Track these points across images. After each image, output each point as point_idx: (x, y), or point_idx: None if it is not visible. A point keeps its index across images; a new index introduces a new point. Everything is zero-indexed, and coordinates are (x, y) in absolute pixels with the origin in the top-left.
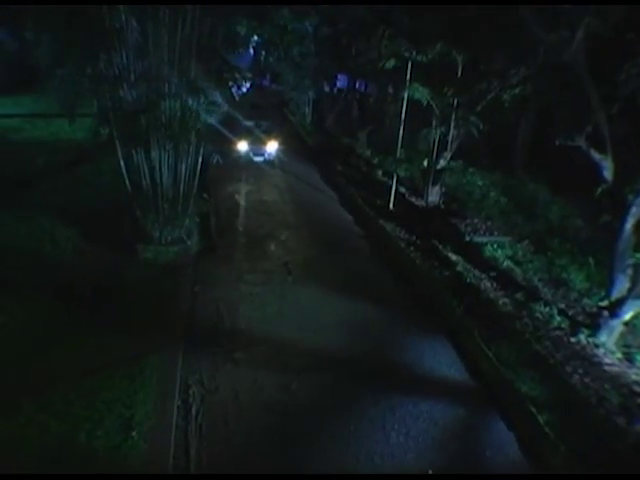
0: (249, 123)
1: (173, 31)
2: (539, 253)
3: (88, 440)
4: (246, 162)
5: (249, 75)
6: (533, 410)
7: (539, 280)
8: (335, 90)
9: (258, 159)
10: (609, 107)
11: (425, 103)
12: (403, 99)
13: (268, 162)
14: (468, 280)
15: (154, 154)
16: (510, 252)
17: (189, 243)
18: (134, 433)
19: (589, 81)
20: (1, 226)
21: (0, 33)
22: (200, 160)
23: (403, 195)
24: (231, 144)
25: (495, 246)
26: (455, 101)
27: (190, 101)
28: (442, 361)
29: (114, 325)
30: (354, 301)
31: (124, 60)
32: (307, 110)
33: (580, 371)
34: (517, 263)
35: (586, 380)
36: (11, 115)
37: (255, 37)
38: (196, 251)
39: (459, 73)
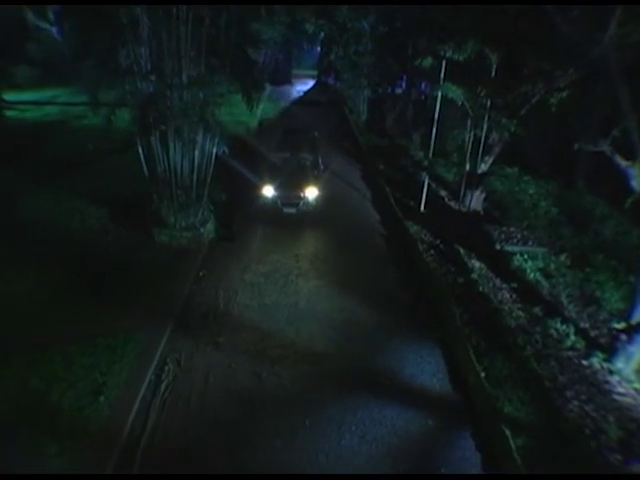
0: (282, 154)
1: (189, 29)
2: (576, 268)
3: (59, 398)
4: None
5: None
6: (507, 432)
7: (567, 296)
8: (397, 90)
9: (289, 210)
10: None
11: (460, 103)
12: (451, 100)
13: (303, 212)
14: (481, 289)
15: (170, 143)
16: (542, 264)
17: (202, 230)
18: (102, 398)
19: (621, 81)
20: (41, 203)
21: (43, 23)
22: (214, 151)
23: (442, 198)
24: (252, 186)
25: (526, 256)
26: (488, 102)
27: (202, 94)
28: (426, 369)
29: (113, 300)
30: (354, 300)
31: (141, 54)
32: (362, 109)
33: (582, 397)
34: (547, 276)
35: (586, 408)
36: (77, 103)
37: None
38: (209, 238)
39: (493, 73)
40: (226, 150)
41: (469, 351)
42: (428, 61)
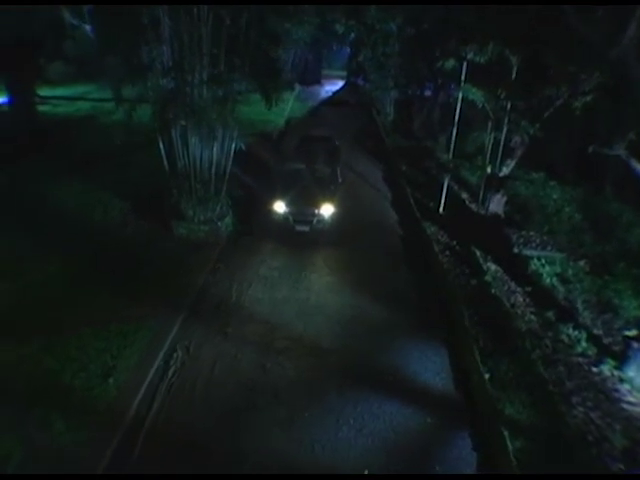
0: (297, 165)
1: (209, 29)
2: (594, 275)
3: (71, 378)
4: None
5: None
6: (505, 433)
7: (583, 302)
8: (426, 93)
9: (302, 228)
10: None
11: (480, 105)
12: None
13: (317, 231)
14: (493, 291)
15: (189, 138)
16: (559, 269)
17: (219, 224)
18: (111, 380)
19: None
20: (68, 194)
21: (78, 21)
22: (233, 147)
23: (463, 201)
24: (262, 201)
25: (543, 261)
26: (508, 105)
27: (221, 92)
28: (430, 368)
29: (129, 288)
30: (364, 298)
31: (163, 51)
32: (389, 110)
33: (589, 404)
34: (564, 282)
35: (592, 415)
36: (107, 99)
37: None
38: (226, 232)
39: (514, 75)
40: (243, 147)
41: (474, 352)
42: (451, 63)
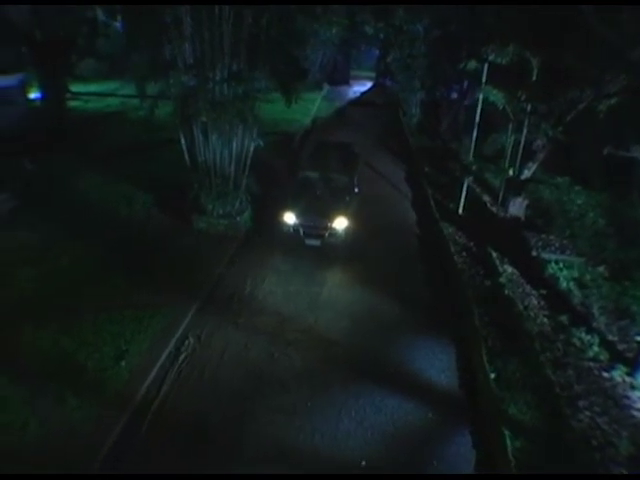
0: (311, 173)
1: (230, 28)
2: (613, 280)
3: (85, 358)
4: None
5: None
6: (506, 432)
7: (599, 308)
8: (452, 95)
9: (312, 242)
10: None
11: (501, 107)
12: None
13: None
14: (506, 292)
15: (210, 134)
16: (577, 274)
17: (238, 219)
18: (123, 363)
19: None
20: (94, 186)
21: (109, 20)
22: (252, 144)
23: (485, 203)
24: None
25: (561, 265)
26: (528, 107)
27: (241, 89)
28: (436, 365)
29: (147, 278)
30: (376, 295)
31: (185, 49)
32: (415, 111)
33: (596, 409)
34: (581, 286)
35: (599, 420)
36: (136, 96)
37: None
38: (245, 227)
39: (534, 77)
40: (261, 143)
41: (482, 351)
42: (472, 64)
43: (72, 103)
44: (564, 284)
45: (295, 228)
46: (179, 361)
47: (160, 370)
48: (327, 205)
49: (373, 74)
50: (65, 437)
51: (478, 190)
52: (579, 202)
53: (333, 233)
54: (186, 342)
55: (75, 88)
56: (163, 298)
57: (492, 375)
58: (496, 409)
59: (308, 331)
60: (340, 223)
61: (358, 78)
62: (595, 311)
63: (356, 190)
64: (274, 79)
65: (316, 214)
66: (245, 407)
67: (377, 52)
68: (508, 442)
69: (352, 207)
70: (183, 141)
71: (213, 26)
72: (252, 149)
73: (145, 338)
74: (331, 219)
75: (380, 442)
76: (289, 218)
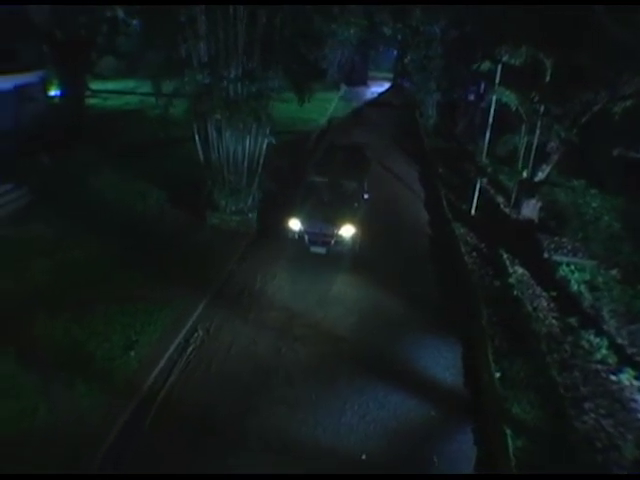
0: (319, 178)
1: (244, 27)
2: (626, 284)
3: (95, 347)
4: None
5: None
6: (507, 431)
7: (610, 311)
8: (469, 97)
9: (317, 250)
10: None
11: (514, 108)
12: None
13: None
14: (515, 293)
15: (223, 132)
16: (588, 276)
17: (250, 216)
18: (132, 353)
19: None
20: (111, 183)
21: (129, 19)
22: (265, 141)
23: (498, 205)
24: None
25: (572, 267)
26: (541, 108)
27: (254, 88)
28: (441, 363)
29: (159, 272)
30: (384, 293)
31: (199, 48)
32: (431, 112)
33: (602, 412)
34: (592, 289)
35: (604, 423)
36: (152, 94)
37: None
38: (257, 224)
39: (547, 78)
40: (274, 141)
41: (488, 350)
42: (486, 65)
43: (91, 100)
44: (575, 286)
45: (300, 234)
46: (187, 353)
47: (168, 361)
48: (334, 211)
49: (391, 75)
50: (73, 423)
51: (492, 191)
52: (594, 205)
53: (339, 241)
54: (195, 334)
55: (94, 86)
56: (175, 291)
57: (497, 374)
58: (499, 407)
59: (315, 327)
60: (347, 231)
61: (376, 79)
62: (605, 314)
63: (366, 196)
64: (287, 78)
65: (322, 221)
66: (250, 399)
67: (395, 53)
68: (509, 441)
69: (360, 214)
70: (197, 138)
71: (228, 25)
72: (265, 147)
73: (155, 329)
74: (337, 226)
75: (382, 437)
76: (294, 224)
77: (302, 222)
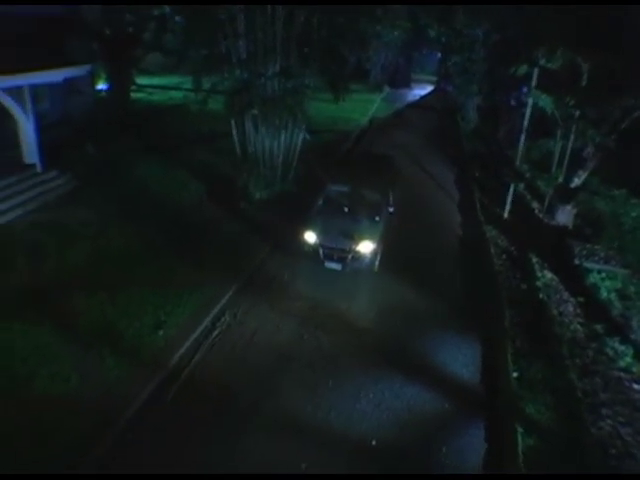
0: (340, 187)
1: (281, 26)
2: None
3: (125, 326)
4: None
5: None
6: (519, 429)
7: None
8: (511, 101)
9: (332, 266)
10: None
11: (550, 112)
12: None
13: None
14: (541, 296)
15: (260, 127)
16: (620, 285)
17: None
18: (160, 332)
19: None
20: (153, 173)
21: (176, 16)
22: (300, 137)
23: (533, 210)
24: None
25: (604, 275)
26: (577, 112)
27: (290, 84)
28: (460, 360)
29: (193, 259)
30: (411, 288)
31: (238, 45)
32: (472, 115)
33: (620, 419)
34: (623, 297)
35: (621, 430)
36: (193, 89)
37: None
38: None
39: (584, 82)
40: (308, 137)
41: (507, 350)
42: (523, 69)
43: (137, 95)
44: (604, 294)
45: (315, 248)
46: (213, 335)
47: (194, 342)
48: (353, 225)
49: (435, 78)
50: (101, 392)
51: (528, 197)
52: (633, 214)
53: (357, 257)
54: (222, 319)
55: (141, 81)
56: (207, 278)
57: (514, 374)
58: (513, 405)
59: (339, 317)
60: (365, 247)
61: (420, 81)
62: (634, 323)
63: (391, 210)
64: (324, 77)
65: (339, 234)
66: (270, 382)
67: (439, 55)
68: (519, 438)
69: (382, 229)
70: (235, 132)
71: (266, 24)
72: (300, 142)
73: (184, 312)
74: (356, 241)
75: (394, 425)
76: (309, 237)
77: (317, 235)
